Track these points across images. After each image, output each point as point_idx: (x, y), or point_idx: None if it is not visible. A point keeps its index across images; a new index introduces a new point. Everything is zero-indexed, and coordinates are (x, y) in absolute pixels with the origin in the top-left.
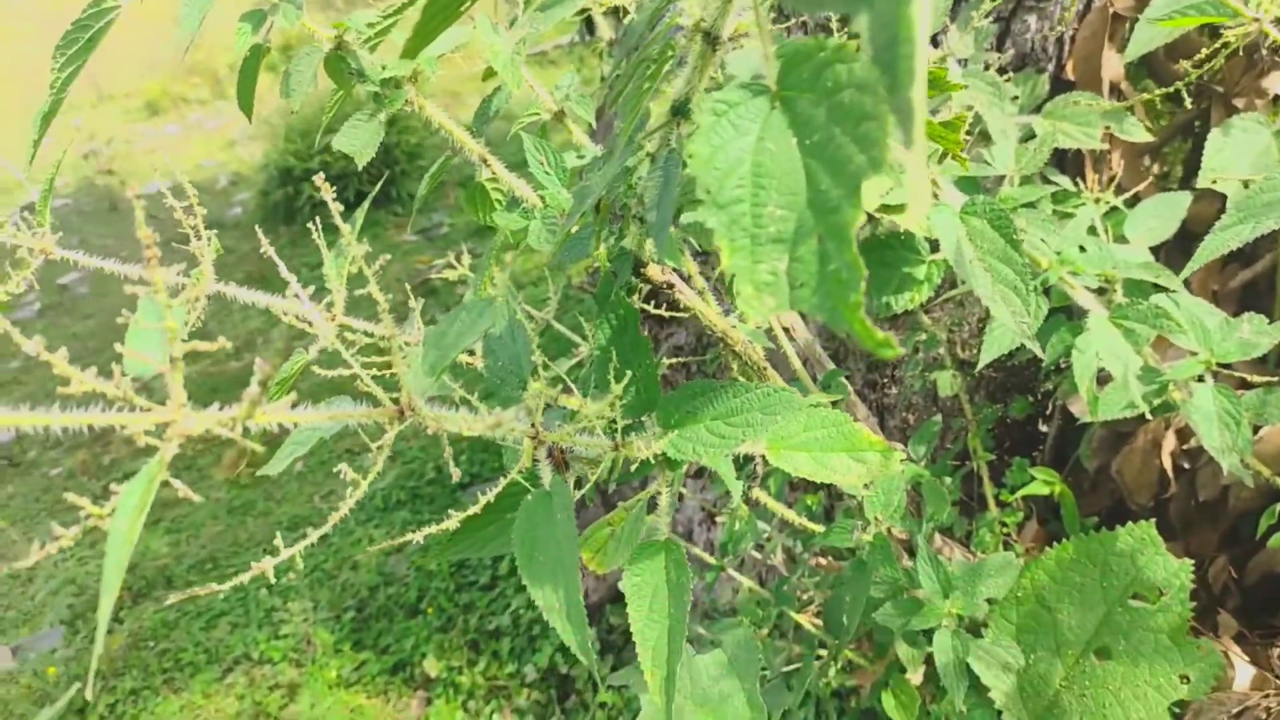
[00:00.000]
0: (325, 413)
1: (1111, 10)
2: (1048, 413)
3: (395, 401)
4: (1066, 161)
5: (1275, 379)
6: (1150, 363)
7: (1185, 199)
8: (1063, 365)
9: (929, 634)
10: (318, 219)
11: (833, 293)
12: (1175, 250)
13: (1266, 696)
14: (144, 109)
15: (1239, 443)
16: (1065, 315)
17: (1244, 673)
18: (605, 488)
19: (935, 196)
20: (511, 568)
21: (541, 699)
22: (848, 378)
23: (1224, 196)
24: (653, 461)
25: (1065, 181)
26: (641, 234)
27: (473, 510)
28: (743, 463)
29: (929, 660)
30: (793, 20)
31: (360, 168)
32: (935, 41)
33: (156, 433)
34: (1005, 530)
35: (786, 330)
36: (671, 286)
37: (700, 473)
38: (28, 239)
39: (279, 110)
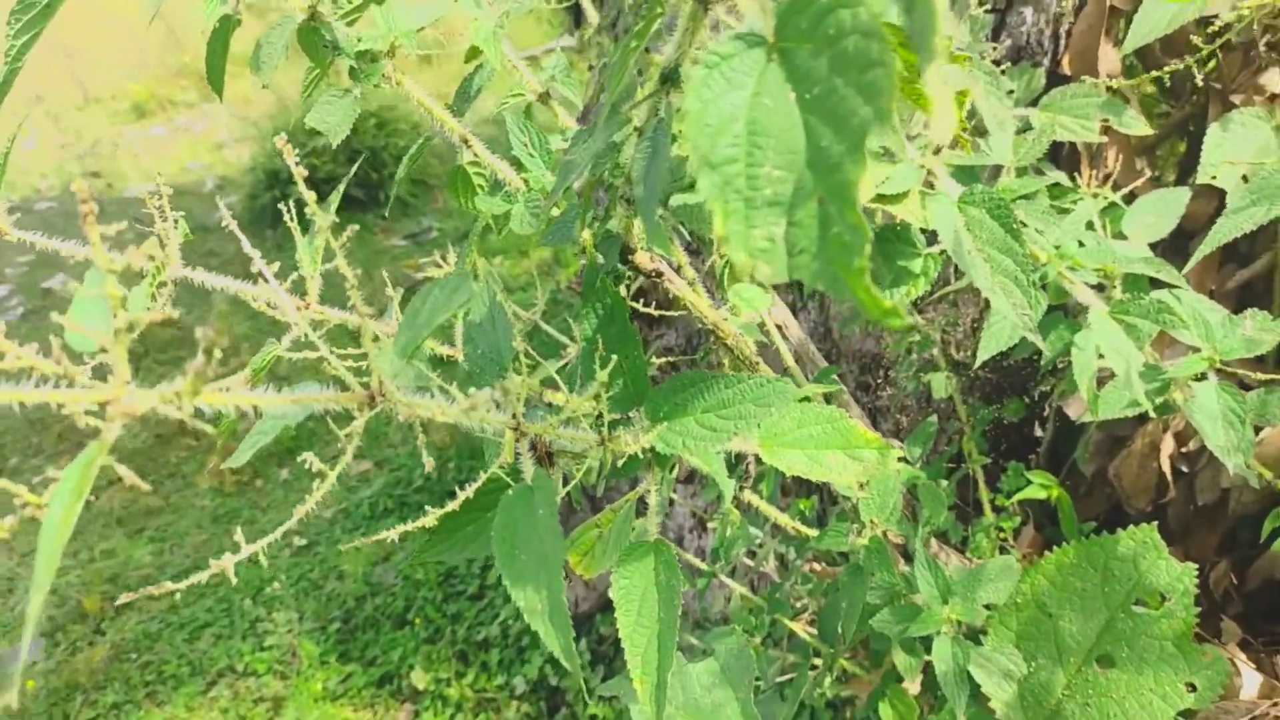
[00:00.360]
0: (287, 396)
1: (1109, 4)
2: (1043, 415)
3: (366, 387)
4: (1061, 158)
5: (1276, 378)
6: (1151, 360)
7: (1184, 195)
8: (1059, 366)
9: (927, 641)
10: (294, 215)
11: (835, 258)
12: (1170, 250)
13: (1275, 705)
14: (131, 111)
15: (1243, 443)
16: (1062, 313)
17: (1251, 680)
18: (593, 493)
19: (931, 186)
20: (500, 577)
21: (531, 711)
22: (840, 378)
23: (1222, 194)
24: (641, 457)
25: (1061, 177)
26: (629, 216)
27: (451, 507)
28: (734, 464)
29: (927, 668)
30: None
31: (350, 172)
32: None
33: (99, 413)
34: (1002, 535)
35: (779, 328)
36: (660, 275)
37: (691, 477)
38: None
39: (266, 113)
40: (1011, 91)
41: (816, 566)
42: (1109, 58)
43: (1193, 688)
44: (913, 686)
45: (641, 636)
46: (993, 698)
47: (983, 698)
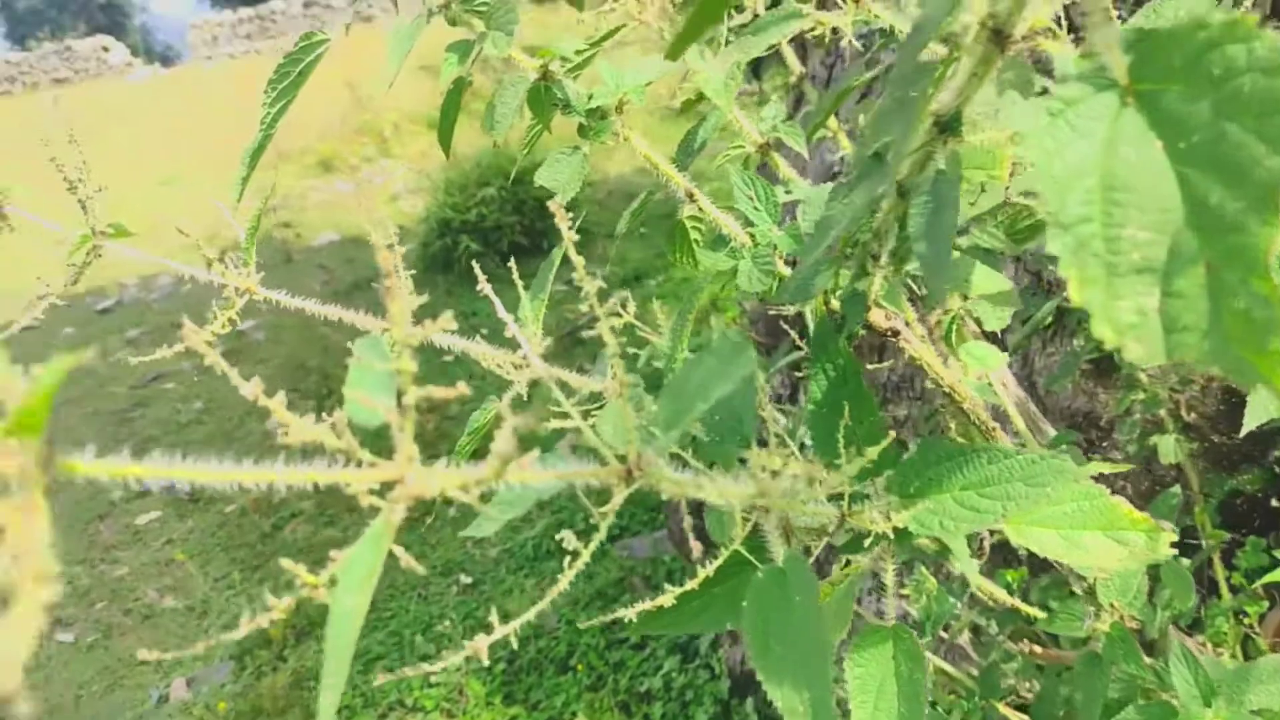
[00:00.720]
0: (555, 471)
1: None
2: None
3: (621, 460)
4: None
5: None
6: None
7: None
8: None
9: None
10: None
11: (1237, 336)
12: None
13: None
14: (318, 166)
15: None
16: None
17: None
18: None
19: None
20: None
21: None
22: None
23: None
24: (884, 535)
25: None
26: (882, 272)
27: (689, 586)
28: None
29: None
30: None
31: (514, 221)
32: None
33: (380, 492)
34: (1246, 621)
35: (1003, 386)
36: (897, 334)
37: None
38: (235, 277)
39: (440, 165)
40: None
41: (1038, 648)
42: None
43: None
44: None
45: None
46: None
47: None
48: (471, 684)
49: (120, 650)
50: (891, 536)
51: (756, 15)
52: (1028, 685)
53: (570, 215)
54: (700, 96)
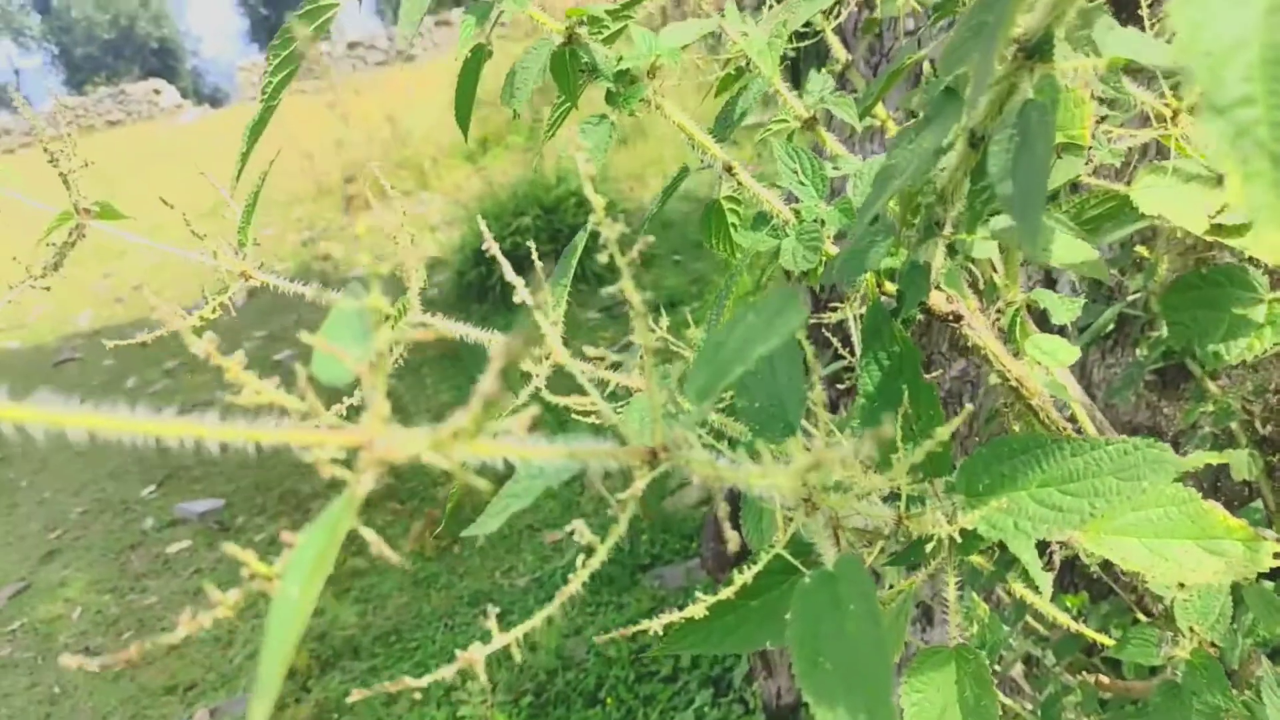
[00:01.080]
0: (564, 447)
1: None
2: None
3: (645, 439)
4: None
5: None
6: None
7: None
8: None
9: None
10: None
11: None
12: None
13: None
14: (357, 199)
15: None
16: None
17: None
18: None
19: None
20: (695, 658)
21: None
22: None
23: None
24: (944, 540)
25: None
26: (945, 244)
27: (724, 595)
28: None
29: None
30: None
31: (550, 249)
32: None
33: (347, 462)
34: None
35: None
36: (959, 319)
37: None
38: (229, 260)
39: (476, 195)
40: None
41: (1104, 678)
42: None
43: None
44: None
45: None
46: None
47: None
48: (497, 717)
49: (145, 680)
50: (958, 540)
51: None
52: None
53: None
54: (738, 72)
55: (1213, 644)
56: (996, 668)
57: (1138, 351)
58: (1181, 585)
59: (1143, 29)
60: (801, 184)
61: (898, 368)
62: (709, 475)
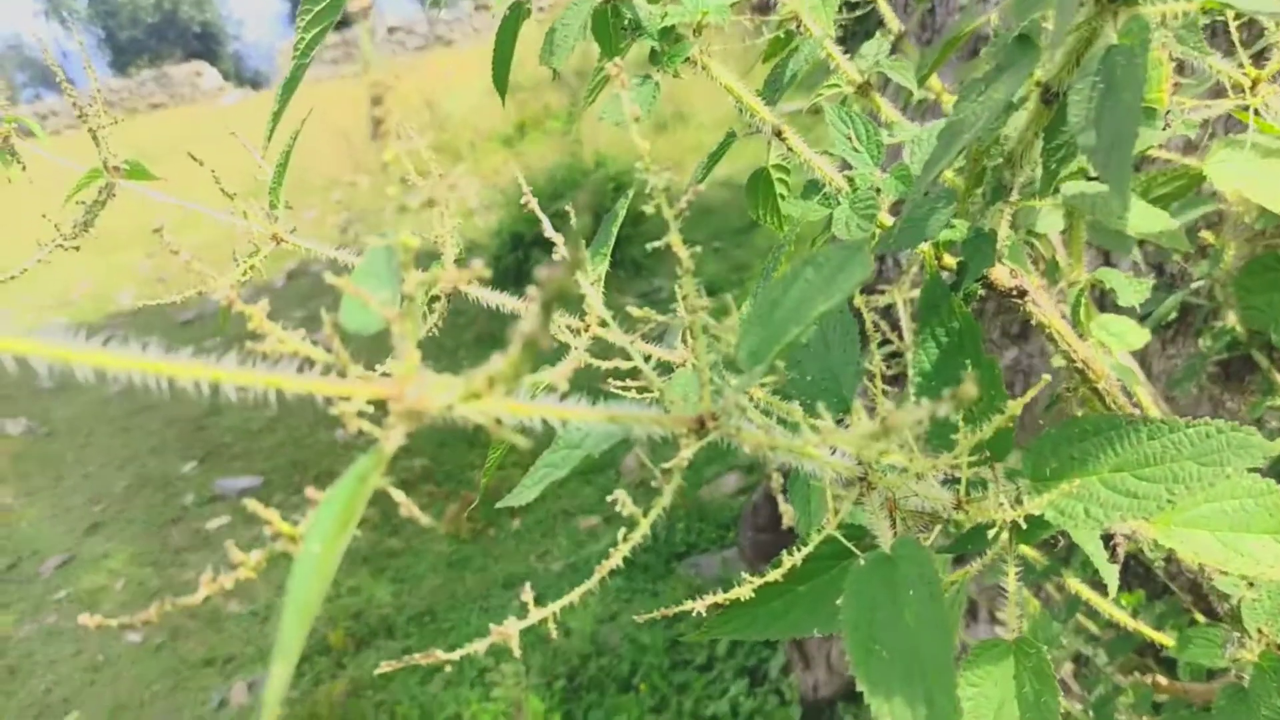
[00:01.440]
0: (605, 410)
1: None
2: None
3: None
4: None
5: None
6: None
7: None
8: None
9: None
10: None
11: None
12: None
13: None
14: (395, 183)
15: None
16: None
17: None
18: None
19: None
20: (730, 648)
21: None
22: None
23: None
24: (1003, 527)
25: None
26: (1011, 210)
27: (772, 577)
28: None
29: None
30: None
31: (588, 234)
32: None
33: (377, 417)
34: None
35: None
36: (1024, 294)
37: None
38: (261, 221)
39: (513, 180)
40: None
41: (1161, 679)
42: None
43: None
44: None
45: None
46: None
47: None
48: (531, 699)
49: (185, 652)
50: (1022, 526)
51: None
52: None
53: (644, 228)
54: (788, 35)
55: None
56: None
57: (1200, 342)
58: (1250, 584)
59: None
60: (856, 150)
61: (957, 344)
62: (760, 445)
